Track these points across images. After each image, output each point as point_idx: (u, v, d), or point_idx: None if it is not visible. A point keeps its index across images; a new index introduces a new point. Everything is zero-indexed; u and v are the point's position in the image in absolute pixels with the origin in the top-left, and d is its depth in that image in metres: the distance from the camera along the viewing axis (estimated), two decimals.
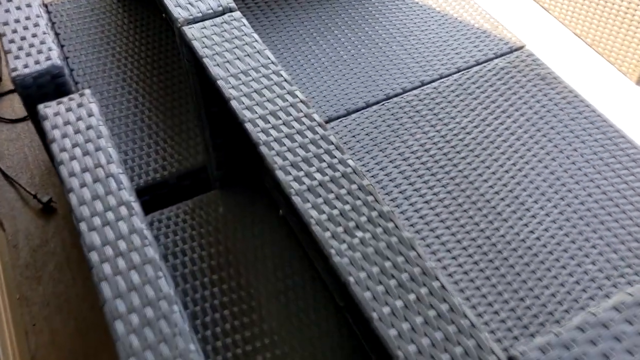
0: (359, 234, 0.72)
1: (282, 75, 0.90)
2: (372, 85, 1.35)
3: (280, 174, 0.78)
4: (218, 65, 0.91)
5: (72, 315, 1.40)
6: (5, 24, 1.03)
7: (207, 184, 1.30)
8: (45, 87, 0.98)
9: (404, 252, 0.70)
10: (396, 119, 1.28)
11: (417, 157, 1.22)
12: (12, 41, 1.00)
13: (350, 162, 0.79)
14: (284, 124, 0.84)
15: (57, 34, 1.53)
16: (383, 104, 1.32)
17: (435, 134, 1.26)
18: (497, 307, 1.01)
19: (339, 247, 0.70)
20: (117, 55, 1.48)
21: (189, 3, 1.00)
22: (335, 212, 0.74)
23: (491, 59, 1.41)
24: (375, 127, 1.27)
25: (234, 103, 0.86)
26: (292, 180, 0.77)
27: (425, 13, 1.51)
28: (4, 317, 1.35)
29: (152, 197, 1.25)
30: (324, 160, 0.79)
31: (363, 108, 1.32)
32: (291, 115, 0.85)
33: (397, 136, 1.25)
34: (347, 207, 0.74)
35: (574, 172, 1.18)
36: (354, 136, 1.26)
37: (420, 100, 1.32)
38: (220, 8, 1.00)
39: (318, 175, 0.78)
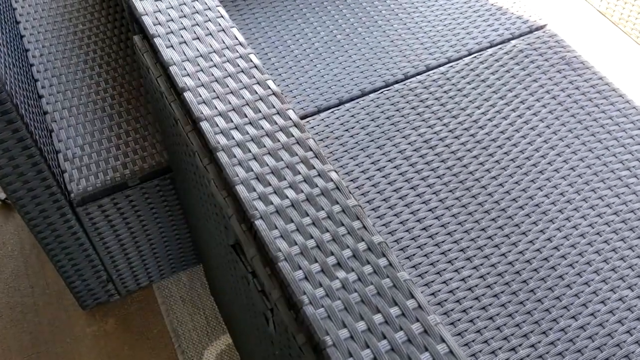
0: (341, 274, 0.54)
1: (251, 61, 0.72)
2: (369, 71, 1.17)
3: (241, 190, 0.60)
4: (172, 46, 0.73)
5: (27, 330, 1.23)
6: None
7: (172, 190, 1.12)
8: None
9: (400, 301, 0.52)
10: (397, 110, 1.10)
11: (420, 156, 1.03)
12: None
13: (333, 174, 0.61)
14: (250, 123, 0.66)
15: (13, 9, 1.34)
16: (382, 92, 1.13)
17: (442, 127, 1.07)
18: (515, 343, 0.83)
19: (313, 295, 0.52)
20: (79, 34, 1.29)
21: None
22: (311, 242, 0.56)
23: (508, 40, 1.22)
24: (372, 120, 1.09)
25: (188, 95, 0.68)
26: (257, 198, 0.59)
27: None
28: None
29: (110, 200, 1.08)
30: (299, 172, 0.61)
31: (359, 97, 1.14)
32: (260, 112, 0.67)
33: (398, 130, 1.07)
34: (327, 236, 0.57)
35: (605, 177, 1.00)
36: (347, 130, 1.08)
37: (425, 87, 1.13)
38: None
39: (290, 193, 0.60)
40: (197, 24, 0.76)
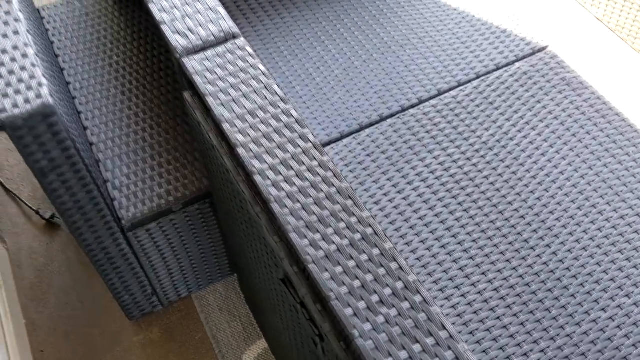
0: (384, 310, 0.65)
1: (292, 116, 0.83)
2: (386, 96, 1.27)
3: (294, 237, 0.71)
4: (222, 104, 0.84)
5: (80, 341, 1.36)
6: None
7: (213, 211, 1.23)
8: (37, 128, 0.91)
9: (434, 332, 0.64)
10: (413, 134, 1.21)
11: (436, 178, 1.14)
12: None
13: (371, 220, 0.72)
14: (297, 175, 0.77)
15: (51, 42, 1.44)
16: (399, 117, 1.24)
17: (455, 150, 1.18)
18: (527, 349, 0.95)
19: (362, 329, 0.64)
20: (114, 66, 1.40)
21: (188, 29, 0.92)
22: (356, 283, 0.67)
23: (512, 62, 1.32)
24: (390, 144, 1.20)
25: (241, 151, 0.79)
26: (308, 245, 0.70)
27: (441, 11, 1.42)
28: (10, 343, 1.31)
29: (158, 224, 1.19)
30: (342, 220, 0.72)
31: (377, 122, 1.24)
32: (304, 164, 0.78)
33: (415, 154, 1.18)
34: (369, 277, 0.68)
35: (604, 192, 1.11)
36: (368, 155, 1.19)
37: (438, 111, 1.24)
38: (222, 34, 0.92)
39: (336, 239, 0.71)
40: (242, 82, 0.87)
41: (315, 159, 0.78)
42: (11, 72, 0.93)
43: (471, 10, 1.42)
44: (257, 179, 0.76)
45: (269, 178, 0.77)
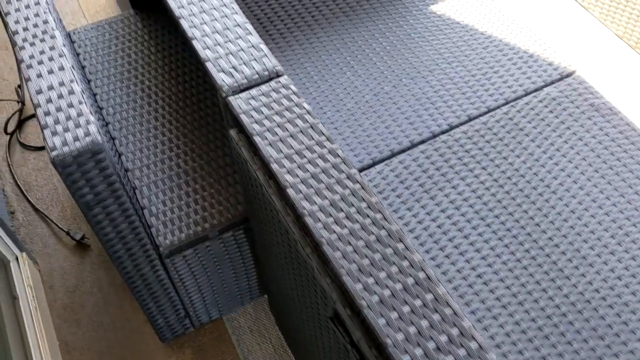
0: (440, 356, 0.67)
1: (338, 156, 0.85)
2: (417, 121, 1.29)
3: (348, 281, 0.73)
4: (270, 144, 0.86)
5: None
6: (39, 92, 0.97)
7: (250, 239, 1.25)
8: (86, 164, 0.93)
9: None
10: (445, 161, 1.22)
11: (469, 205, 1.16)
12: (47, 113, 0.95)
13: (423, 265, 0.74)
14: (347, 217, 0.79)
15: (82, 67, 1.46)
16: (430, 143, 1.25)
17: (487, 177, 1.19)
18: None
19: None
20: (146, 90, 1.41)
21: (233, 67, 0.94)
22: (412, 329, 0.69)
23: (541, 88, 1.33)
24: (423, 171, 1.21)
25: (291, 192, 0.81)
26: (362, 289, 0.72)
27: (468, 35, 1.44)
28: None
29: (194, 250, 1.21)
30: (394, 263, 0.74)
31: (408, 148, 1.26)
32: (353, 205, 0.80)
33: (447, 181, 1.20)
34: (425, 323, 0.70)
35: (637, 221, 1.12)
36: (401, 182, 1.20)
37: (468, 137, 1.25)
38: (267, 73, 0.94)
39: (389, 283, 0.73)
40: (288, 121, 0.88)
41: (364, 200, 0.80)
42: (59, 109, 0.95)
43: (498, 35, 1.43)
44: (309, 221, 0.78)
45: (319, 220, 0.78)
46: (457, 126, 1.28)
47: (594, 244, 1.10)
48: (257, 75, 0.93)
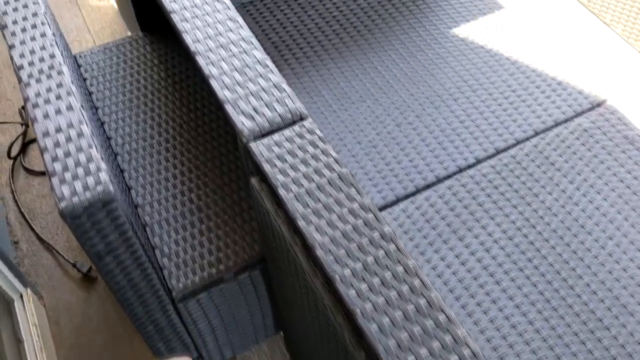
0: None
1: (370, 211, 0.78)
2: (442, 155, 1.22)
3: (386, 358, 0.66)
4: (296, 197, 0.79)
5: None
6: (46, 134, 0.91)
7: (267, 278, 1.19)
8: (96, 215, 0.87)
9: None
10: (473, 198, 1.16)
11: (500, 248, 1.09)
12: (55, 159, 0.88)
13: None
14: (382, 283, 0.72)
15: (89, 93, 1.40)
16: (456, 178, 1.19)
17: (518, 216, 1.13)
18: None
19: None
20: (156, 119, 1.35)
21: (254, 109, 0.88)
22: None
23: (571, 118, 1.27)
24: (450, 209, 1.15)
25: (320, 253, 0.75)
26: None
27: (494, 60, 1.37)
28: None
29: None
30: (435, 337, 0.68)
31: (434, 183, 1.19)
32: (388, 268, 0.73)
33: (476, 220, 1.13)
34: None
35: None
36: (427, 221, 1.14)
37: (497, 172, 1.19)
38: (290, 116, 0.87)
39: (419, 350, 0.66)
40: (315, 171, 0.82)
41: (400, 262, 0.74)
42: (67, 155, 0.89)
43: (524, 59, 1.37)
44: (340, 287, 0.72)
45: (352, 286, 0.72)
46: (484, 160, 1.22)
47: (633, 290, 1.04)
48: (279, 119, 0.87)
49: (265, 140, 0.85)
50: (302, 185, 0.81)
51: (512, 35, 1.42)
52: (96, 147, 0.90)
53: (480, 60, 1.37)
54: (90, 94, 1.40)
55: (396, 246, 0.75)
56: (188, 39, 0.96)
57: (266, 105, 0.88)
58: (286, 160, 0.83)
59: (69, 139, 0.91)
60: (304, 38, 1.43)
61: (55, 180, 0.87)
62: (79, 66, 1.46)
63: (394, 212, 1.16)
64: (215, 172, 1.26)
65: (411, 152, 1.23)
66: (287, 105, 0.88)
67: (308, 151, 0.84)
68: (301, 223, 0.77)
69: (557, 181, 1.17)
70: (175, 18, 0.99)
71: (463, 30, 1.43)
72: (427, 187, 1.19)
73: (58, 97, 0.95)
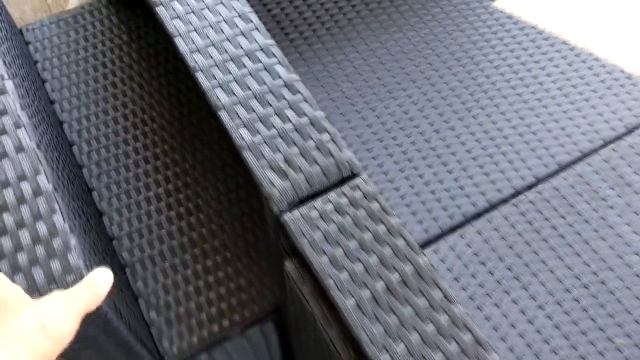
0: None
1: (468, 330, 0.55)
2: (494, 171, 0.99)
3: None
4: (358, 306, 0.55)
5: None
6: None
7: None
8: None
9: None
10: (535, 230, 0.94)
11: (566, 290, 0.89)
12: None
13: None
14: None
15: (43, 81, 1.11)
16: (513, 204, 0.96)
17: (592, 255, 0.92)
18: None
19: None
20: (130, 118, 1.07)
21: (285, 161, 0.62)
22: None
23: None
24: (509, 246, 0.93)
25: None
26: None
27: (551, 81, 1.12)
28: None
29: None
30: None
31: (486, 211, 0.97)
32: None
33: (542, 261, 0.92)
34: None
35: None
36: (475, 254, 0.92)
37: (562, 196, 0.97)
38: (336, 169, 0.62)
39: None
40: (380, 259, 0.58)
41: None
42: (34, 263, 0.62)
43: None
44: None
45: None
46: (545, 178, 0.99)
47: None
48: (324, 177, 0.62)
49: (305, 210, 0.60)
50: (365, 284, 0.57)
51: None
52: (78, 250, 0.63)
53: (531, 45, 1.12)
54: (43, 82, 1.11)
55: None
56: (194, 66, 0.69)
57: (302, 155, 0.63)
58: (339, 243, 0.59)
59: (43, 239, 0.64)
60: (312, 11, 1.15)
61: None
62: (27, 43, 1.15)
63: (440, 250, 0.93)
64: (210, 190, 1.00)
65: (461, 175, 0.99)
66: (331, 154, 0.63)
67: (369, 228, 0.60)
68: (363, 337, 0.54)
69: (636, 209, 0.96)
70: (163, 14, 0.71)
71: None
72: (478, 215, 0.96)
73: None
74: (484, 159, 1.00)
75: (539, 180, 0.99)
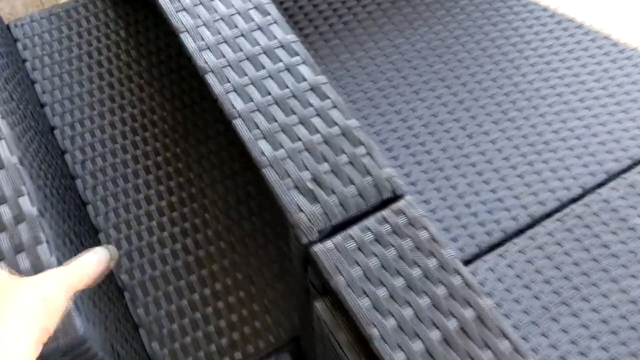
0: None
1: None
2: (536, 182, 0.89)
3: None
4: (401, 351, 0.45)
5: None
6: None
7: None
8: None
9: None
10: (585, 250, 0.84)
11: (622, 317, 0.78)
12: None
13: None
14: None
15: (32, 82, 1.00)
16: (558, 219, 0.86)
17: (636, 265, 0.82)
18: None
19: None
20: (129, 122, 0.97)
21: (313, 180, 0.52)
22: None
23: None
24: (555, 267, 0.83)
25: None
26: None
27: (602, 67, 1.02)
28: None
29: None
30: None
31: (529, 227, 0.86)
32: None
33: (593, 284, 0.81)
34: None
35: None
36: (517, 276, 0.81)
37: (613, 210, 0.86)
38: (375, 190, 0.52)
39: None
40: (431, 299, 0.48)
41: None
42: None
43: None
44: None
45: None
46: (592, 189, 0.89)
47: None
48: (360, 199, 0.51)
49: (340, 240, 0.50)
50: (418, 335, 0.46)
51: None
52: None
53: (570, 40, 1.02)
54: (33, 83, 1.00)
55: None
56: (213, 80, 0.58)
57: (333, 172, 0.52)
58: (382, 284, 0.48)
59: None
60: (328, 4, 1.04)
61: None
62: (16, 40, 1.04)
63: (479, 271, 0.83)
64: (218, 203, 0.90)
65: (499, 185, 0.89)
66: (369, 172, 0.52)
67: (418, 264, 0.49)
68: None
69: None
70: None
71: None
72: (520, 231, 0.86)
73: None
74: (524, 168, 0.90)
75: (586, 192, 0.88)
